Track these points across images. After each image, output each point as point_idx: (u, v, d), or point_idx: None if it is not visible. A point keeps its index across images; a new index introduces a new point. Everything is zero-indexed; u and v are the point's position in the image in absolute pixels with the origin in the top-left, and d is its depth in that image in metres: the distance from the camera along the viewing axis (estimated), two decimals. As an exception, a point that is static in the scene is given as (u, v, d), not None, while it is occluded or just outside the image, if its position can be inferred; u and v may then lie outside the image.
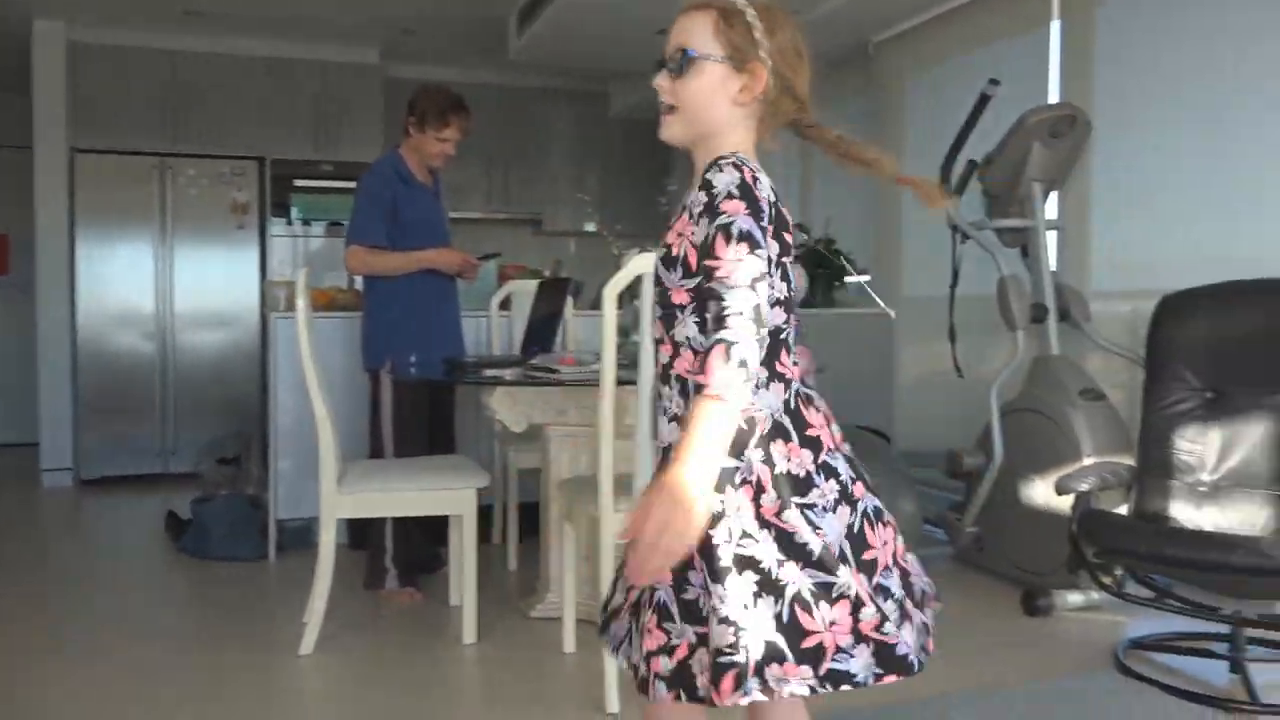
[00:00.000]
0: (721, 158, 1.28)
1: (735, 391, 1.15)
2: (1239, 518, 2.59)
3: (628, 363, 2.62)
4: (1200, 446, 2.69)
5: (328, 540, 2.81)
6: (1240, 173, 3.15)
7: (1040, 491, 3.28)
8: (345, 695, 2.55)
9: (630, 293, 2.81)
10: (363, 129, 6.13)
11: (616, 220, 6.03)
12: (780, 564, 1.23)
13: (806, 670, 1.21)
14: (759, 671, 1.19)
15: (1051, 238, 3.73)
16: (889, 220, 4.85)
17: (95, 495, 5.32)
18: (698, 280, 1.25)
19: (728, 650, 1.19)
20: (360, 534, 3.83)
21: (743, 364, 1.14)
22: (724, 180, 1.24)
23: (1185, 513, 2.66)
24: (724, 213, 1.22)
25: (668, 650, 1.26)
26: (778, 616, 1.21)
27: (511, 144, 6.66)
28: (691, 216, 1.28)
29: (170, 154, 5.74)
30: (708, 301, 1.21)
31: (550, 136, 6.82)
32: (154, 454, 5.74)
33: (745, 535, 1.24)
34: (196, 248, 5.80)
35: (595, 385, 2.52)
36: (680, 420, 1.27)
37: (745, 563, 1.23)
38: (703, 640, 1.23)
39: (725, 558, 1.22)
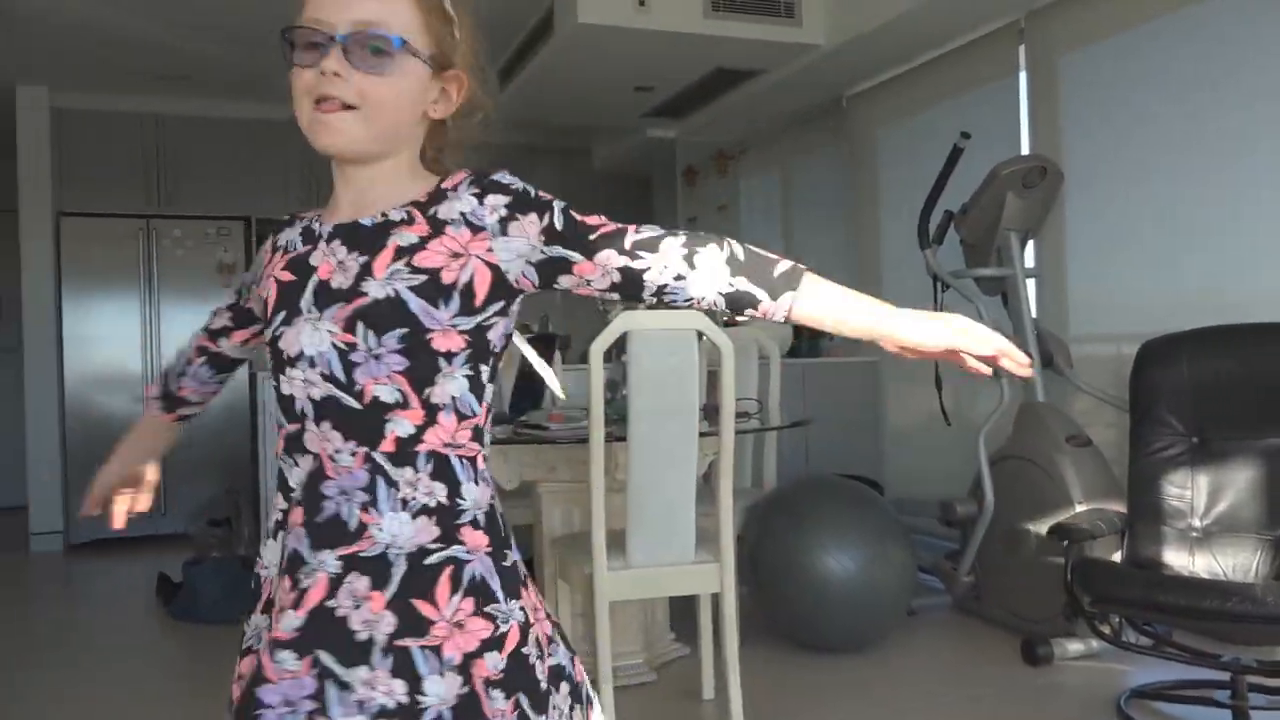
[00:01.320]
0: (477, 170, 1.05)
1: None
2: (1232, 563, 2.60)
3: (617, 418, 2.64)
4: (1189, 492, 2.71)
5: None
6: (1216, 214, 3.20)
7: (1033, 540, 3.29)
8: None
9: (618, 349, 2.84)
10: (348, 187, 6.17)
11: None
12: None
13: None
14: None
15: (1031, 285, 3.79)
16: (869, 270, 4.91)
17: (85, 559, 5.26)
18: (481, 320, 1.01)
19: None
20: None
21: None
22: (519, 180, 1.04)
23: (1178, 559, 2.67)
24: (551, 197, 1.03)
25: None
26: None
27: (497, 198, 6.72)
28: (481, 228, 1.00)
29: (155, 215, 5.78)
30: (661, 241, 1.01)
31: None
32: (143, 516, 5.65)
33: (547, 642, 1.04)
34: (183, 308, 5.80)
35: (585, 442, 2.53)
36: (432, 512, 0.98)
37: (556, 675, 1.04)
38: None
39: (544, 678, 1.02)
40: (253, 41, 4.90)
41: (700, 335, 2.45)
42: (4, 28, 4.65)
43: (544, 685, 1.01)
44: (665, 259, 1.01)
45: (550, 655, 1.04)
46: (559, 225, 1.01)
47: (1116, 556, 2.86)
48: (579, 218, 1.03)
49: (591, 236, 1.01)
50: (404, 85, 1.02)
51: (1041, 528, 3.21)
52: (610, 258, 1.01)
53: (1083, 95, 3.64)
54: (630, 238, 1.02)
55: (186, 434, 5.55)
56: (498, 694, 0.96)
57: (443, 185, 1.04)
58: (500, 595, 1.00)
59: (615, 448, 2.63)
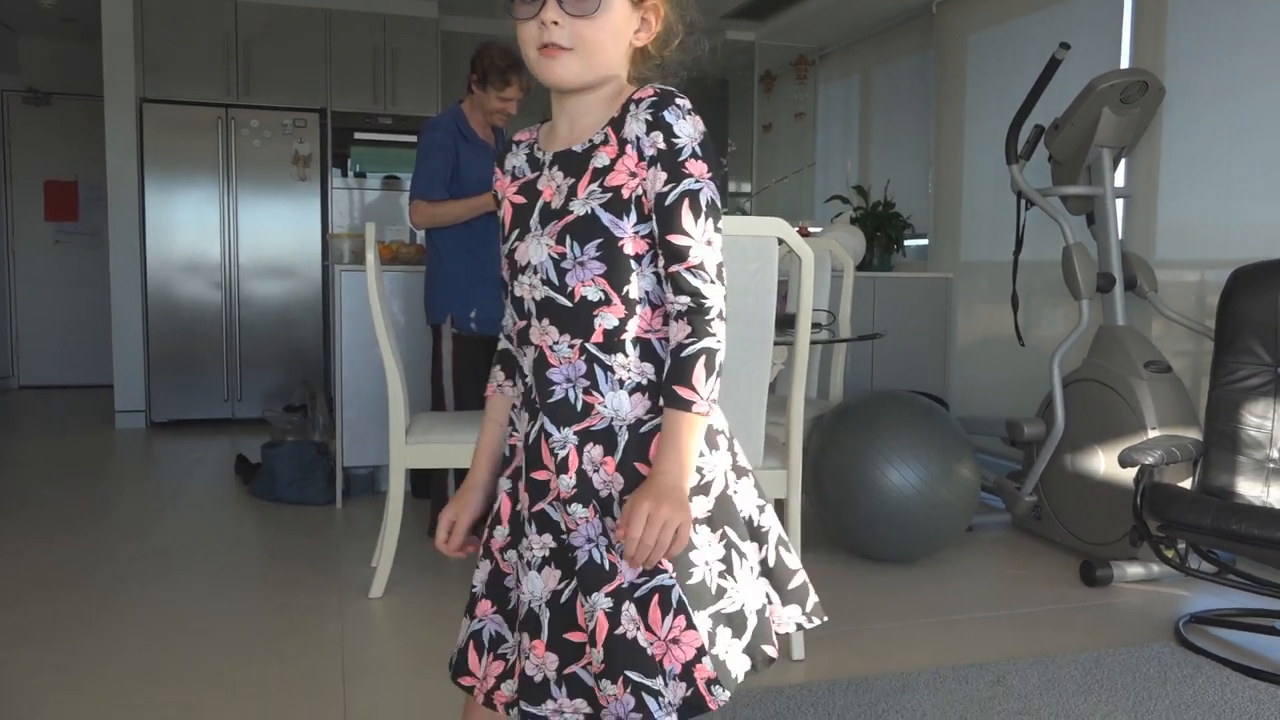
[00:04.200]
0: (664, 90, 1.13)
1: (715, 402, 1.13)
2: (1307, 495, 2.57)
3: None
4: (1268, 422, 2.67)
5: (396, 489, 2.90)
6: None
7: (1102, 463, 3.27)
8: (416, 636, 2.65)
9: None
10: (420, 83, 6.16)
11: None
12: (760, 510, 1.25)
13: (795, 609, 1.26)
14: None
15: (1119, 206, 3.68)
16: (950, 184, 4.79)
17: (166, 437, 5.50)
18: (652, 227, 1.14)
19: (761, 610, 1.21)
20: (423, 483, 3.94)
21: (720, 372, 1.11)
22: (687, 130, 1.11)
23: (1252, 489, 2.64)
24: (690, 175, 1.11)
25: (701, 651, 1.12)
26: (763, 562, 1.24)
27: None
28: (643, 157, 1.13)
29: (234, 104, 5.83)
30: (679, 294, 1.12)
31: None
32: (220, 399, 5.91)
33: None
34: (260, 198, 5.91)
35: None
36: (642, 390, 1.16)
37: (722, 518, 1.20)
38: (725, 619, 1.15)
39: (744, 509, 1.24)
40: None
41: (780, 242, 2.43)
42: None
43: (745, 514, 1.22)
44: (670, 316, 1.14)
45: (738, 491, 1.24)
46: (665, 201, 1.12)
47: (1187, 484, 2.84)
48: (678, 215, 1.12)
49: (665, 233, 1.13)
50: (611, 22, 1.15)
51: (1112, 451, 3.19)
52: (655, 260, 1.16)
53: (1190, 10, 3.46)
54: (676, 267, 1.13)
55: (259, 324, 5.74)
56: (704, 529, 1.16)
57: (631, 98, 1.15)
58: (705, 449, 1.17)
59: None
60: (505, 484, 1.28)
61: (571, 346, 1.16)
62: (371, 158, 6.24)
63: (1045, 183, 3.67)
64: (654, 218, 1.13)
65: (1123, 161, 3.64)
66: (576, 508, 1.15)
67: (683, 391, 1.10)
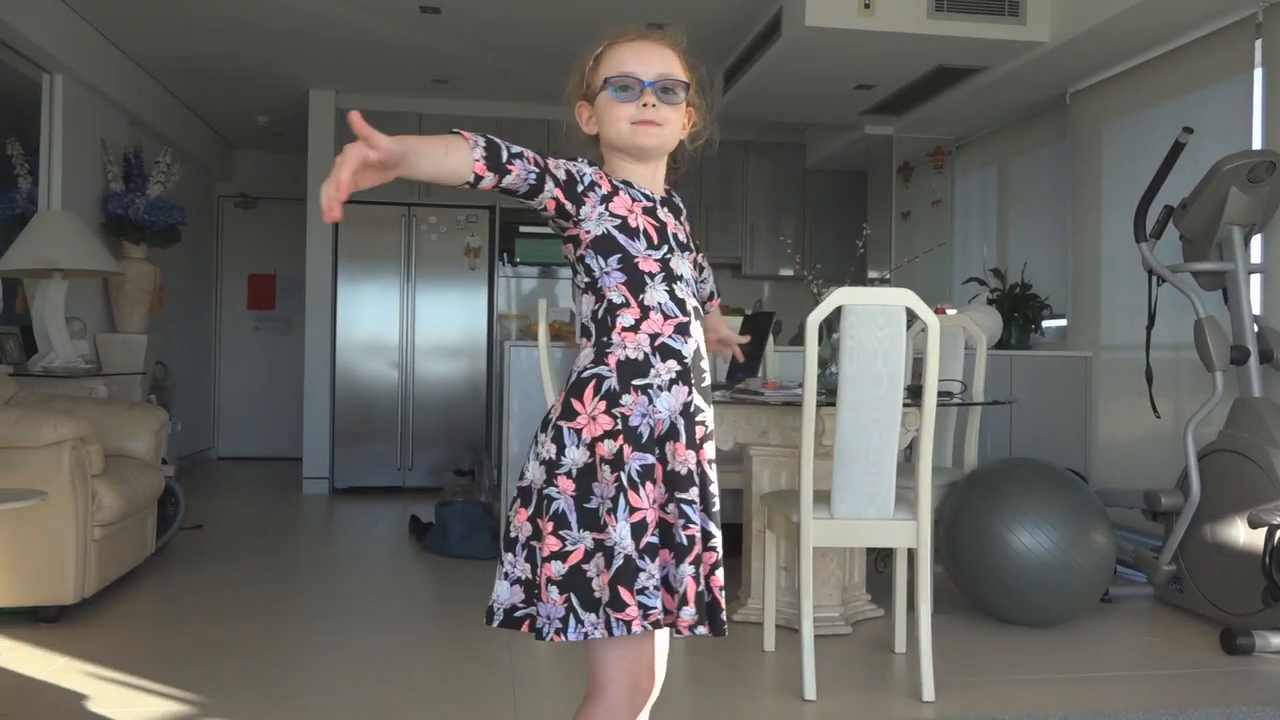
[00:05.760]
0: (671, 188, 1.61)
1: None
2: None
3: (825, 390, 2.91)
4: (1403, 485, 2.69)
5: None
6: None
7: (1242, 533, 3.30)
8: (578, 675, 2.94)
9: (829, 326, 3.11)
10: (581, 180, 6.72)
11: (815, 262, 6.33)
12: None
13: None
14: None
15: (1256, 281, 3.75)
16: (1088, 267, 4.91)
17: (347, 502, 6.07)
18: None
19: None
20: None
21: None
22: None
23: (1386, 549, 2.65)
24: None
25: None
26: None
27: (713, 193, 7.10)
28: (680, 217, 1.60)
29: (416, 203, 6.52)
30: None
31: (750, 186, 7.21)
32: (394, 468, 6.46)
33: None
34: (435, 286, 6.54)
35: (797, 406, 2.82)
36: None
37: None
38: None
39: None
40: (502, 47, 5.49)
41: (909, 313, 2.68)
42: (303, 42, 5.45)
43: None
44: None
45: None
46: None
47: (1327, 551, 2.86)
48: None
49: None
50: (680, 111, 1.54)
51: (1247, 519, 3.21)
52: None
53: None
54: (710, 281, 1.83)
55: (430, 400, 6.36)
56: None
57: (668, 188, 1.60)
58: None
59: (823, 414, 2.92)
60: (652, 455, 1.45)
61: (703, 342, 1.56)
62: (532, 249, 6.83)
63: (1180, 261, 3.78)
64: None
65: (1258, 238, 3.72)
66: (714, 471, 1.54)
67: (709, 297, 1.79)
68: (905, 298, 2.66)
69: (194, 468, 7.43)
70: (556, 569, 1.40)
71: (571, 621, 1.39)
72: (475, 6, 4.86)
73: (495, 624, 1.46)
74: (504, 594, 1.47)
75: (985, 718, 2.50)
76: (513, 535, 1.47)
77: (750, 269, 7.21)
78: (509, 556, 1.47)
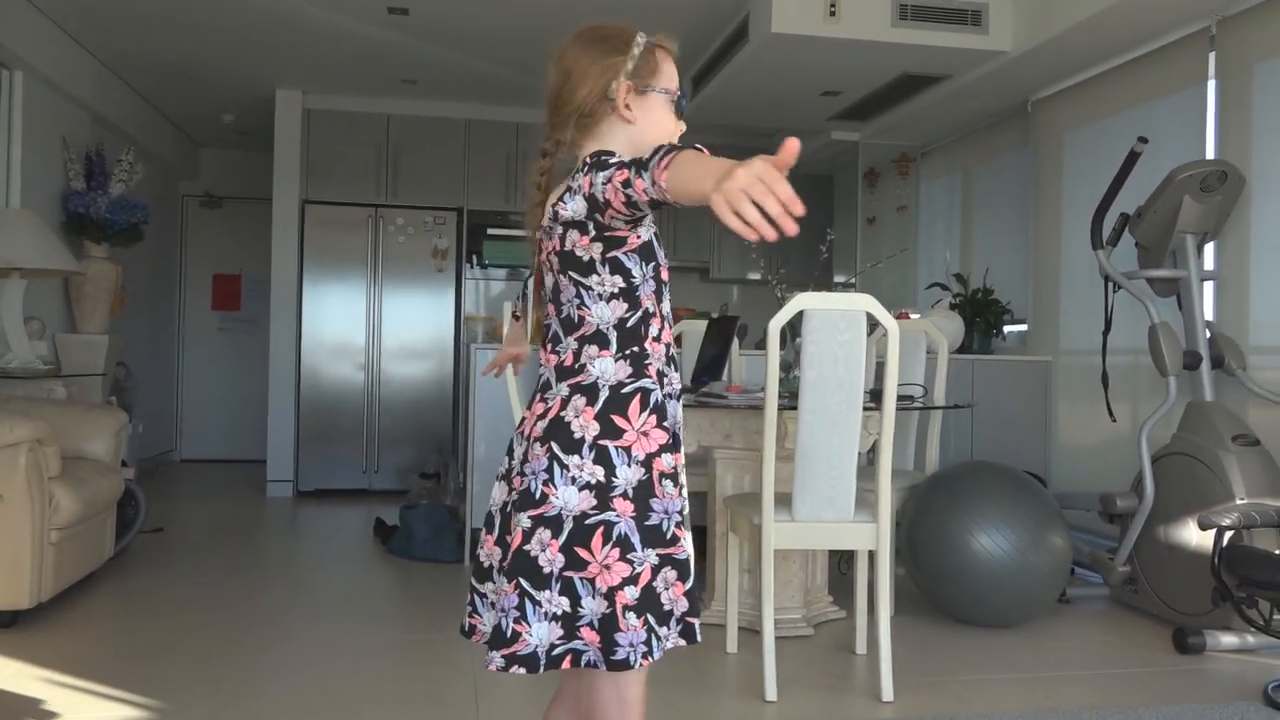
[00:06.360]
0: None
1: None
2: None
3: (787, 394, 2.94)
4: (1347, 488, 2.76)
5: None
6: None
7: (1194, 534, 3.37)
8: (543, 679, 2.94)
9: (792, 330, 3.14)
10: (549, 183, 6.73)
11: (781, 266, 6.37)
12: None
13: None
14: None
15: (1209, 289, 3.82)
16: (1048, 274, 4.98)
17: (311, 505, 6.02)
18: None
19: None
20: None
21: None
22: None
23: (1329, 550, 2.72)
24: None
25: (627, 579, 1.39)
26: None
27: (683, 196, 7.12)
28: None
29: (383, 205, 6.50)
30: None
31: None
32: (359, 471, 6.43)
33: None
34: (402, 288, 6.51)
35: (760, 409, 2.85)
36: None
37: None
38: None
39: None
40: (470, 49, 5.49)
41: (870, 318, 2.72)
42: (270, 41, 5.41)
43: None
44: None
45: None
46: None
47: (1277, 552, 2.93)
48: None
49: None
50: None
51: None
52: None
53: (1275, 103, 3.65)
54: None
55: (395, 402, 6.34)
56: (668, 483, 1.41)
57: None
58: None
59: (785, 418, 2.95)
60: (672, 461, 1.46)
61: None
62: (500, 251, 6.82)
63: (1135, 268, 3.85)
64: None
65: (1211, 245, 3.80)
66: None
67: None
68: (865, 303, 2.69)
69: (156, 470, 7.34)
70: (631, 594, 1.33)
71: (654, 641, 1.34)
72: (444, 8, 4.86)
73: (541, 669, 1.35)
74: (542, 634, 1.34)
75: (943, 717, 2.54)
76: (545, 570, 1.34)
77: (718, 273, 7.24)
78: (545, 594, 1.33)
